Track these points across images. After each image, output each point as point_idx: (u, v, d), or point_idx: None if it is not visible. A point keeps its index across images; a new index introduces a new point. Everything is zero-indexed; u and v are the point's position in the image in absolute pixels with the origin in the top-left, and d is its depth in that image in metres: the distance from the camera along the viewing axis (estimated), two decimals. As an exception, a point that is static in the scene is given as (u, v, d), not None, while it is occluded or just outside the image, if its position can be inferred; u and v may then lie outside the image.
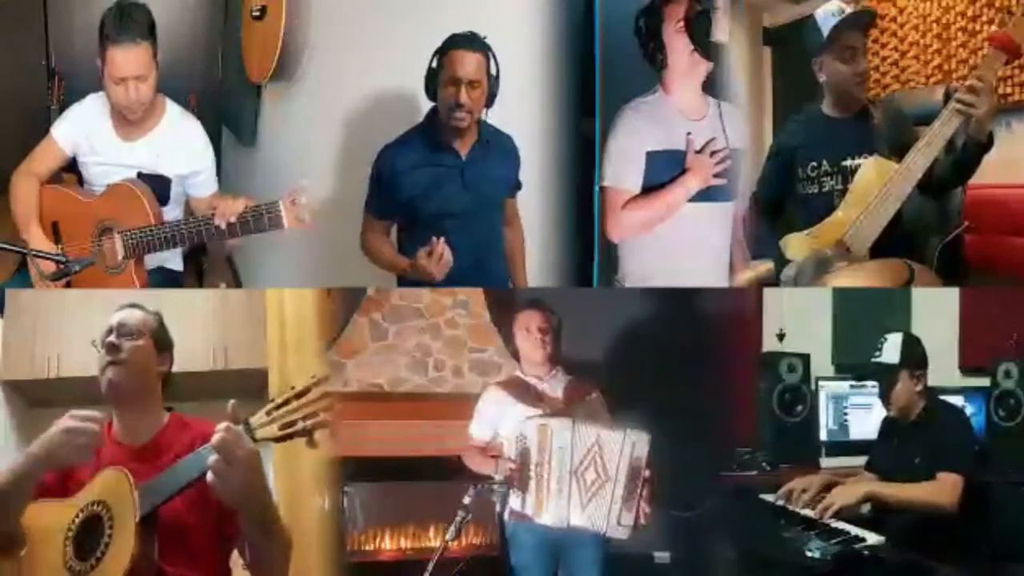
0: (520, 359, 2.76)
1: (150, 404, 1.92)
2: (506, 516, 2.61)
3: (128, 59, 2.58)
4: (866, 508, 2.33)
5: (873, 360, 2.46)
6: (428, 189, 2.64)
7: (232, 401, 1.66)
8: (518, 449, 2.52)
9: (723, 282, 2.87)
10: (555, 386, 2.68)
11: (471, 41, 2.59)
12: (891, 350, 2.43)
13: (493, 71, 2.60)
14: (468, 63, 2.55)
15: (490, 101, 2.63)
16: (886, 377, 2.43)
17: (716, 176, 2.69)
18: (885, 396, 2.45)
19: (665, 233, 2.71)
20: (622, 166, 2.68)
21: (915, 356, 2.44)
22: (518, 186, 2.85)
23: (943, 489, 2.25)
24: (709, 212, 2.75)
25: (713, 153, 2.68)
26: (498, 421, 2.65)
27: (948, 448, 2.31)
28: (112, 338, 1.89)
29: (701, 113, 2.75)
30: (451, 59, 2.56)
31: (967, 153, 2.52)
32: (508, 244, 2.87)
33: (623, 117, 2.72)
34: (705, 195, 2.71)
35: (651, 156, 2.67)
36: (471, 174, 2.67)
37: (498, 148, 2.74)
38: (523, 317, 2.71)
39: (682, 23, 2.62)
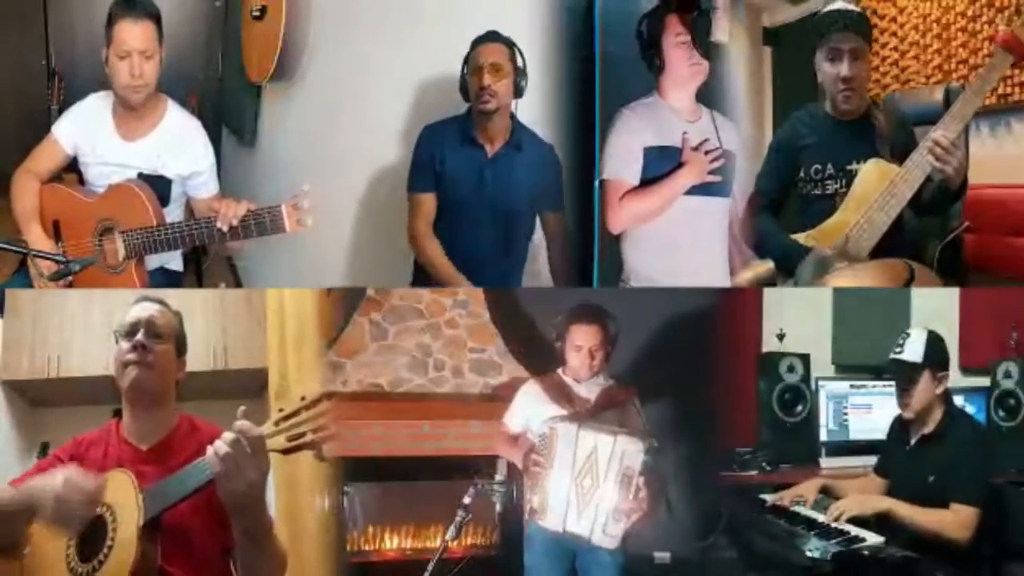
0: (564, 363, 2.70)
1: (164, 407, 1.91)
2: (525, 513, 2.60)
3: (135, 32, 2.61)
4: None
5: (893, 356, 2.37)
6: (452, 178, 2.77)
7: (242, 407, 1.66)
8: (538, 448, 2.51)
9: (723, 276, 2.90)
10: (591, 389, 2.63)
11: (492, 35, 2.76)
12: (915, 347, 2.34)
13: (519, 63, 2.76)
14: (489, 51, 2.73)
15: (519, 93, 2.77)
16: (906, 376, 2.34)
17: (711, 174, 2.75)
18: (902, 396, 2.36)
19: (665, 228, 2.76)
20: (621, 160, 2.75)
21: (938, 356, 2.35)
22: (556, 199, 2.88)
23: (957, 523, 2.18)
24: (708, 206, 2.81)
25: (708, 152, 2.75)
26: (530, 417, 2.64)
27: (966, 477, 2.23)
28: (140, 337, 1.86)
29: (696, 116, 2.83)
30: (475, 53, 2.74)
31: (938, 198, 2.59)
32: (554, 261, 2.92)
33: (621, 116, 2.80)
34: (703, 190, 2.77)
35: (648, 151, 2.74)
36: (492, 174, 2.77)
37: (531, 156, 2.81)
38: (578, 333, 2.60)
39: (682, 35, 2.71)
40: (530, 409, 2.63)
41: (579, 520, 2.47)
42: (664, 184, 2.74)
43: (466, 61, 2.76)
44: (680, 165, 2.74)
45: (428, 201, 2.81)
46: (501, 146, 2.80)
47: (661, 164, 2.75)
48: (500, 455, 2.64)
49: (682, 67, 2.74)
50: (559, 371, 2.68)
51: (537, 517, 2.52)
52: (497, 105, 2.73)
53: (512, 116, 2.81)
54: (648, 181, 2.75)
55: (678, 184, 2.73)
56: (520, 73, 2.76)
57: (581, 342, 2.59)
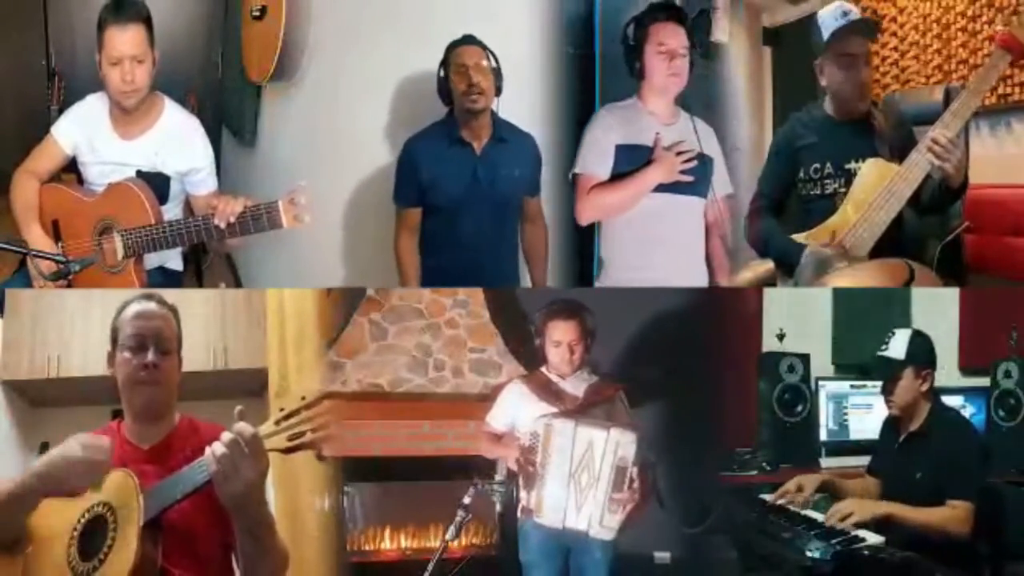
0: (546, 361, 2.71)
1: (168, 411, 1.91)
2: (518, 511, 2.61)
3: (124, 38, 2.61)
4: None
5: (878, 354, 2.41)
6: (442, 180, 2.82)
7: (239, 408, 1.66)
8: (530, 446, 2.52)
9: (699, 273, 2.98)
10: (577, 385, 2.64)
11: (469, 39, 2.80)
12: (897, 345, 2.38)
13: (495, 64, 2.80)
14: (472, 53, 2.78)
15: (498, 92, 2.82)
16: (889, 373, 2.38)
17: (683, 173, 2.84)
18: (887, 393, 2.40)
19: (637, 223, 2.86)
20: (593, 155, 2.86)
21: (922, 354, 2.38)
22: (538, 185, 2.95)
23: (957, 518, 2.22)
24: (681, 205, 2.89)
25: (679, 153, 2.83)
26: (516, 416, 2.64)
27: (958, 474, 2.26)
28: (152, 356, 1.83)
29: (672, 120, 2.92)
30: (456, 55, 2.79)
31: (938, 197, 2.59)
32: (528, 242, 3.01)
33: (598, 114, 2.93)
34: (677, 189, 2.85)
35: (620, 149, 2.85)
36: (484, 170, 2.83)
37: (515, 147, 2.88)
38: (555, 329, 2.61)
39: (664, 46, 2.80)
40: (517, 407, 2.64)
41: (577, 516, 2.48)
42: (631, 180, 2.83)
43: (444, 64, 2.80)
44: (649, 163, 2.83)
45: (412, 216, 2.88)
46: (487, 142, 2.84)
47: (632, 161, 2.85)
48: (482, 454, 2.65)
49: (660, 76, 2.84)
50: (543, 369, 2.69)
51: (534, 515, 2.52)
52: (486, 104, 2.78)
53: (492, 112, 2.85)
54: (619, 177, 2.84)
55: (644, 181, 2.82)
56: (497, 74, 2.80)
57: (559, 338, 2.60)
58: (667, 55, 2.80)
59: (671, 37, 2.81)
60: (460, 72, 2.76)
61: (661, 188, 2.83)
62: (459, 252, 2.86)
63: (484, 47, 2.80)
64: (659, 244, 2.88)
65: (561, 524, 2.50)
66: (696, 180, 2.87)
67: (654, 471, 2.57)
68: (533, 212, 2.99)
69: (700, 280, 2.99)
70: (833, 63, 2.71)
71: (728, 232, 3.01)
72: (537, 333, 2.66)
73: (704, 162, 2.90)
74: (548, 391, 2.63)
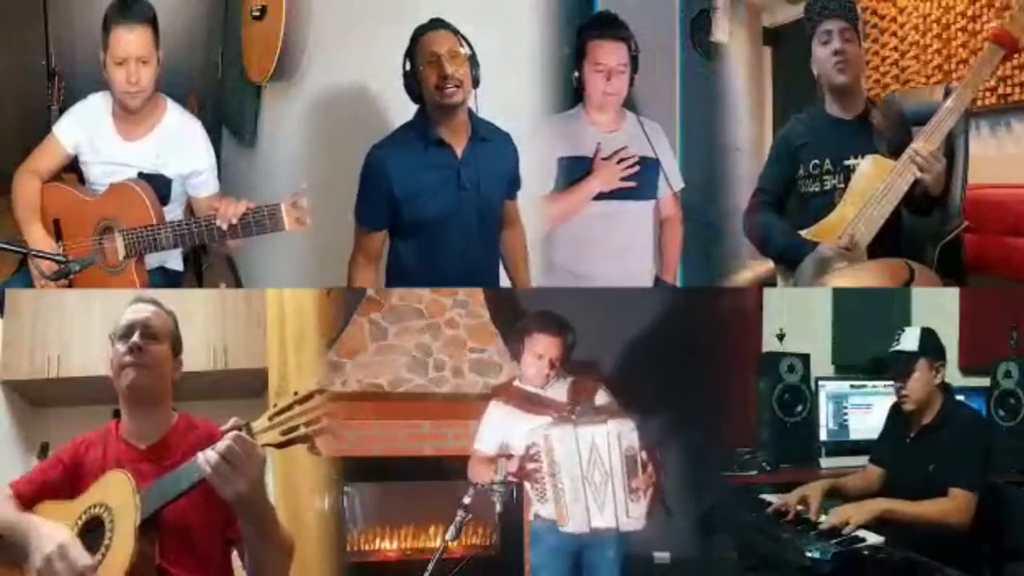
0: (521, 371, 2.69)
1: (162, 406, 1.92)
2: (531, 516, 2.60)
3: (131, 39, 2.61)
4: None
5: (892, 350, 2.43)
6: (424, 192, 2.55)
7: (235, 418, 1.67)
8: (534, 460, 2.51)
9: (646, 275, 3.03)
10: (558, 390, 2.62)
11: (438, 23, 2.55)
12: (910, 340, 2.41)
13: (469, 52, 2.54)
14: (441, 39, 2.50)
15: (476, 82, 2.54)
16: (904, 366, 2.40)
17: (626, 179, 2.85)
18: (902, 387, 2.41)
19: (580, 230, 2.89)
20: (535, 169, 2.84)
21: (934, 347, 2.42)
22: (518, 186, 2.82)
23: (957, 508, 2.23)
24: (627, 209, 2.91)
25: (620, 161, 2.85)
26: (507, 436, 2.59)
27: (965, 463, 2.28)
28: (136, 339, 1.87)
29: (617, 126, 2.92)
30: (423, 43, 2.51)
31: (921, 200, 2.63)
32: (510, 246, 2.85)
33: (541, 126, 2.94)
34: (622, 195, 2.87)
35: (562, 161, 2.87)
36: (468, 174, 2.58)
37: (496, 146, 2.68)
38: (538, 343, 2.58)
39: (601, 65, 2.79)
40: (504, 427, 2.60)
41: (602, 514, 2.48)
42: (572, 190, 2.86)
43: (409, 55, 2.52)
44: (590, 173, 2.85)
45: (373, 240, 2.61)
46: (468, 142, 2.57)
47: (574, 173, 2.87)
48: (478, 479, 2.57)
49: (597, 94, 2.84)
50: (516, 383, 2.67)
51: (559, 525, 2.50)
52: (463, 96, 2.48)
53: (468, 110, 2.57)
54: (562, 188, 2.87)
55: (585, 190, 2.85)
56: (473, 62, 2.51)
57: (542, 351, 2.58)
58: (604, 74, 2.79)
59: (609, 55, 2.78)
60: (431, 62, 2.46)
61: (605, 196, 2.84)
62: (444, 269, 2.64)
63: (456, 32, 2.52)
64: (603, 250, 2.89)
65: (588, 527, 2.48)
66: (641, 184, 2.87)
67: (661, 450, 2.57)
68: (512, 215, 2.83)
69: (645, 282, 3.03)
70: (816, 43, 2.74)
71: (680, 227, 3.07)
72: (517, 338, 2.64)
73: (650, 165, 2.89)
74: (531, 403, 2.60)
